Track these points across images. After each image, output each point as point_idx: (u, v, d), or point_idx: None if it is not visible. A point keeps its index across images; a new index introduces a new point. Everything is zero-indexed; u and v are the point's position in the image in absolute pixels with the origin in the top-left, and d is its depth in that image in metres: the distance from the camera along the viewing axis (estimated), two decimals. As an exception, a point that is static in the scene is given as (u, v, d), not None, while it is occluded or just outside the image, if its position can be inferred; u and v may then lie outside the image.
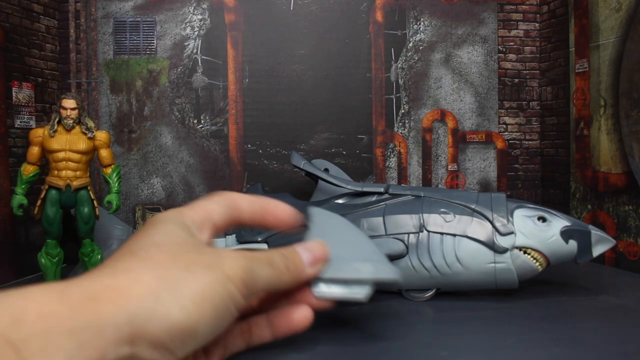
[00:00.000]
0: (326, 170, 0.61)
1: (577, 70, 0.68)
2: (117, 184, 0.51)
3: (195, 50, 0.72)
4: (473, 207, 0.47)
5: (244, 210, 0.33)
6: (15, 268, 0.60)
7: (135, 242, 0.27)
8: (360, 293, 0.32)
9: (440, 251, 0.45)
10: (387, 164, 0.74)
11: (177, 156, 0.72)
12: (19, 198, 0.49)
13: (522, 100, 0.76)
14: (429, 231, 0.46)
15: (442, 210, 0.47)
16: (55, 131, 0.49)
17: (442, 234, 0.46)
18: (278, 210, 0.34)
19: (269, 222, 0.34)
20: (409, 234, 0.46)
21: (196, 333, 0.24)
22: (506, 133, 0.75)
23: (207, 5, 0.72)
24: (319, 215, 0.36)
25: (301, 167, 0.58)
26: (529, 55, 0.75)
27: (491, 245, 0.45)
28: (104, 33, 0.71)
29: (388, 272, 0.33)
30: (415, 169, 0.74)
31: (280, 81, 0.73)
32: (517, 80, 0.75)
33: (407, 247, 0.46)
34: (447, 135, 0.75)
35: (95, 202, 0.50)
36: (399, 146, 0.74)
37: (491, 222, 0.45)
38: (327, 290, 0.32)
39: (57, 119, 0.49)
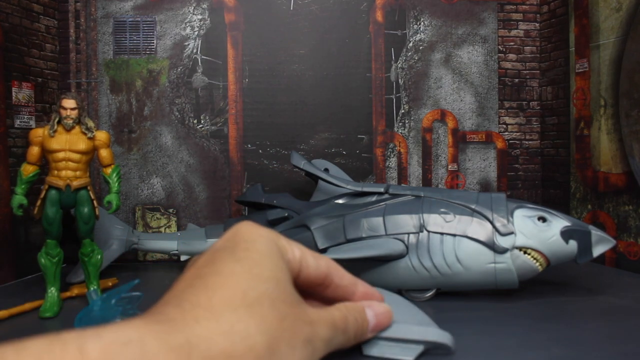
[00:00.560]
0: (326, 170, 0.61)
1: (577, 70, 0.67)
2: (117, 184, 0.51)
3: (195, 50, 0.72)
4: (473, 207, 0.47)
5: (337, 285, 0.31)
6: (15, 268, 0.60)
7: (244, 274, 0.24)
8: (410, 354, 0.32)
9: (441, 251, 0.45)
10: (387, 164, 0.74)
11: (177, 156, 0.72)
12: (18, 198, 0.49)
13: (522, 100, 0.76)
14: (429, 231, 0.46)
15: (442, 210, 0.47)
16: (55, 131, 0.49)
17: (442, 234, 0.46)
18: (344, 282, 0.31)
19: (329, 291, 0.31)
20: (409, 234, 0.46)
21: None
22: (506, 133, 0.75)
23: (207, 5, 0.72)
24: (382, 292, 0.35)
25: (301, 167, 0.58)
26: (529, 55, 0.75)
27: (491, 246, 0.45)
28: (103, 33, 0.71)
29: (441, 336, 0.33)
30: (415, 169, 0.74)
31: (280, 81, 0.73)
32: (517, 80, 0.75)
33: (407, 247, 0.46)
34: (447, 135, 0.75)
35: (95, 202, 0.50)
36: (399, 146, 0.74)
37: (491, 222, 0.45)
38: (377, 351, 0.32)
39: (56, 119, 0.49)
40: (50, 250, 0.48)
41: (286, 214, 0.56)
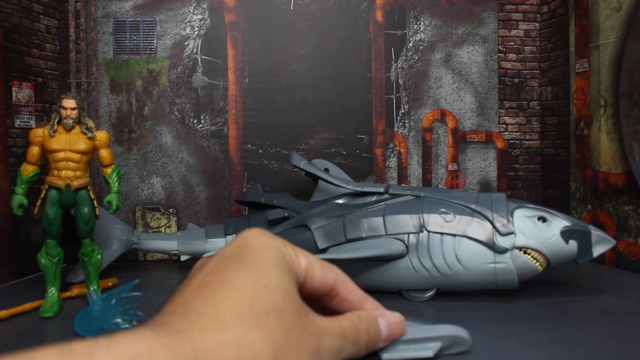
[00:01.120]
0: (326, 170, 0.61)
1: (577, 70, 0.68)
2: (117, 184, 0.51)
3: (195, 50, 0.72)
4: (473, 207, 0.47)
5: (343, 299, 0.31)
6: (15, 268, 0.60)
7: (253, 284, 0.24)
8: (429, 352, 0.32)
9: (441, 251, 0.45)
10: (387, 164, 0.74)
11: (177, 156, 0.72)
12: (18, 198, 0.49)
13: (522, 100, 0.76)
14: (429, 231, 0.46)
15: (442, 210, 0.47)
16: (55, 131, 0.48)
17: (442, 234, 0.46)
18: (352, 295, 0.31)
19: (335, 302, 0.31)
20: (409, 234, 0.46)
21: None
22: (506, 133, 0.75)
23: (207, 5, 0.72)
24: None
25: (301, 167, 0.58)
26: (529, 55, 0.75)
27: (491, 246, 0.45)
28: (103, 33, 0.71)
29: (456, 330, 0.33)
30: (415, 169, 0.74)
31: (280, 81, 0.73)
32: (517, 80, 0.75)
33: (407, 247, 0.46)
34: (447, 135, 0.75)
35: (95, 202, 0.50)
36: (399, 146, 0.74)
37: (491, 222, 0.45)
38: (396, 355, 0.32)
39: (57, 119, 0.49)
40: (50, 250, 0.48)
41: (286, 214, 0.56)
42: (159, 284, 0.59)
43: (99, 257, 0.50)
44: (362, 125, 0.74)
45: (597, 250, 0.46)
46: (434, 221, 0.46)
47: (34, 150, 0.49)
